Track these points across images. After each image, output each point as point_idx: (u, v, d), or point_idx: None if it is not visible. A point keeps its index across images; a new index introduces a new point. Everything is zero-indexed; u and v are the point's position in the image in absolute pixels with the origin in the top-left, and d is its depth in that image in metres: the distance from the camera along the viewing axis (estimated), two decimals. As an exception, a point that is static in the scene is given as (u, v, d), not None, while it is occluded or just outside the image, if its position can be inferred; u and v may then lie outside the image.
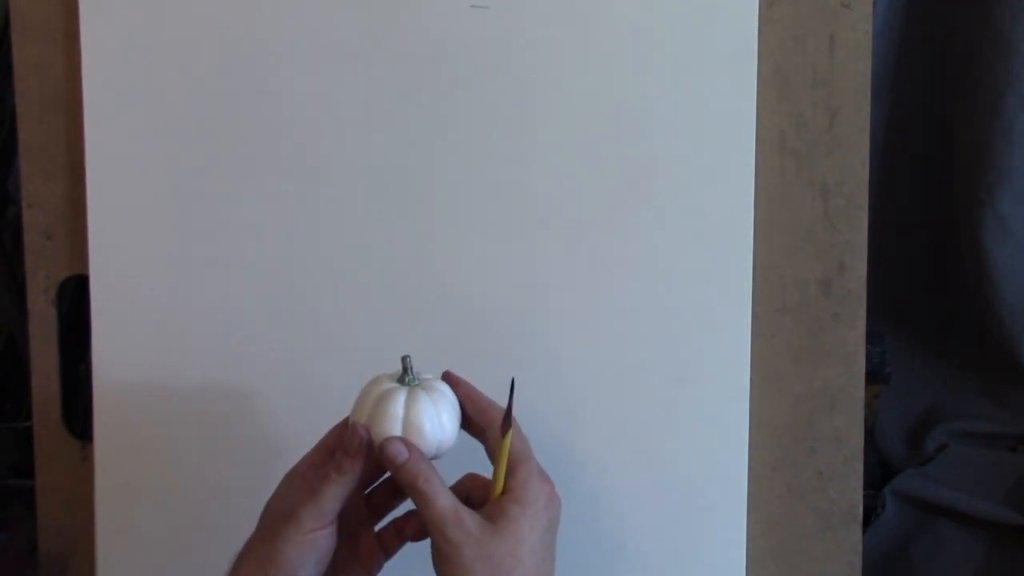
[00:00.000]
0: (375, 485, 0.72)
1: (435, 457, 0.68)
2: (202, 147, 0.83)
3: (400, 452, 0.66)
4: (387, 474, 0.71)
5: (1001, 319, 1.14)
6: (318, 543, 0.66)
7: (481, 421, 0.70)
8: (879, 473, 1.17)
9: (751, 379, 0.83)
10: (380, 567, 0.72)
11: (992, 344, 1.16)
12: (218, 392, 0.84)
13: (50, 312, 0.86)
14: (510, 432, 0.67)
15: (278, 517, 0.67)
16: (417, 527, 0.70)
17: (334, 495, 0.67)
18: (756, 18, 0.82)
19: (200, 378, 0.84)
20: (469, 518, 0.65)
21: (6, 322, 1.01)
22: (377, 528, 0.72)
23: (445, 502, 0.65)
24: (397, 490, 0.71)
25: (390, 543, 0.72)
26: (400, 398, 0.67)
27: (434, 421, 0.67)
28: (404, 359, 0.69)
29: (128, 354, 0.83)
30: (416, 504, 0.67)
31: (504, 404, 0.68)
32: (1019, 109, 1.07)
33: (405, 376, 0.69)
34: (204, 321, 0.84)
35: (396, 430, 0.67)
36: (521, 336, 0.83)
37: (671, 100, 0.82)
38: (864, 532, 0.87)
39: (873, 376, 0.91)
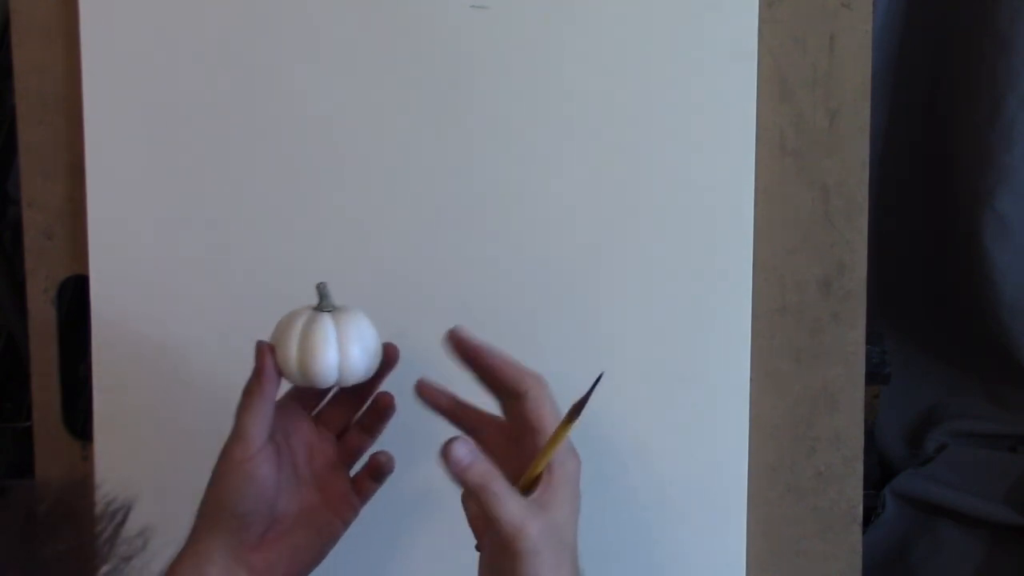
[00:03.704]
0: (346, 429, 0.72)
1: (337, 384, 0.68)
2: (202, 147, 0.83)
3: (464, 456, 0.62)
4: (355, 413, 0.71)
5: (1001, 319, 1.14)
6: (251, 474, 0.65)
7: (510, 379, 0.67)
8: (879, 473, 1.17)
9: (751, 379, 0.84)
10: (355, 513, 0.70)
11: (992, 344, 1.16)
12: (218, 392, 0.83)
13: (50, 312, 0.86)
14: (576, 421, 0.65)
15: (217, 466, 0.67)
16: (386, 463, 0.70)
17: (250, 418, 0.66)
18: (756, 18, 0.82)
19: (200, 378, 0.84)
20: (531, 514, 0.62)
21: (6, 322, 1.01)
22: (353, 473, 0.71)
23: (514, 506, 0.62)
24: (369, 429, 0.71)
25: (366, 486, 0.70)
26: (302, 319, 0.67)
27: (331, 344, 0.66)
28: (319, 286, 0.68)
29: (128, 354, 0.83)
30: (484, 504, 0.62)
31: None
32: (1019, 109, 1.07)
33: (321, 302, 0.68)
34: (204, 321, 0.84)
35: (293, 349, 0.66)
36: (521, 335, 0.83)
37: (671, 100, 0.82)
38: (864, 532, 0.87)
39: (873, 376, 0.91)
